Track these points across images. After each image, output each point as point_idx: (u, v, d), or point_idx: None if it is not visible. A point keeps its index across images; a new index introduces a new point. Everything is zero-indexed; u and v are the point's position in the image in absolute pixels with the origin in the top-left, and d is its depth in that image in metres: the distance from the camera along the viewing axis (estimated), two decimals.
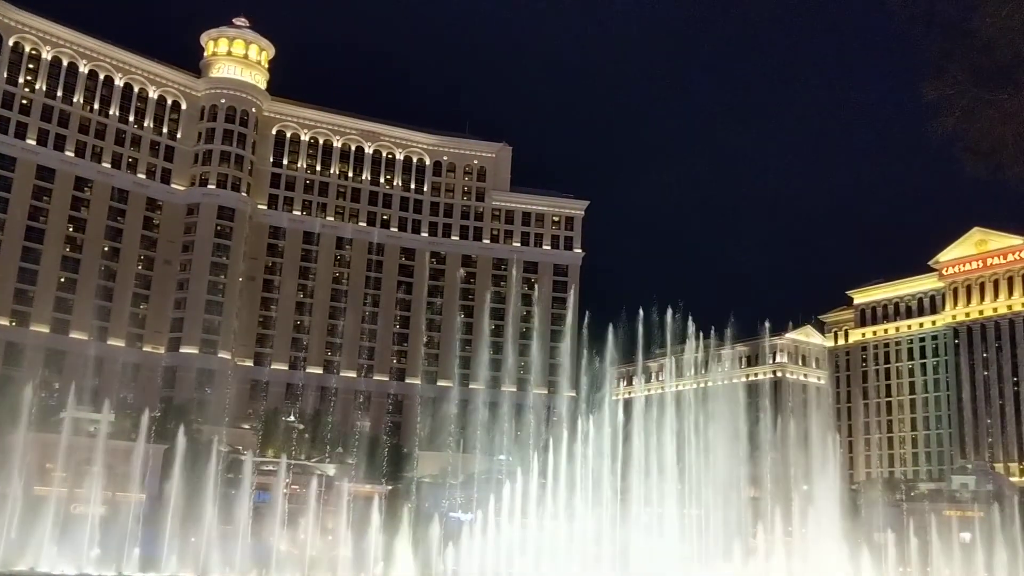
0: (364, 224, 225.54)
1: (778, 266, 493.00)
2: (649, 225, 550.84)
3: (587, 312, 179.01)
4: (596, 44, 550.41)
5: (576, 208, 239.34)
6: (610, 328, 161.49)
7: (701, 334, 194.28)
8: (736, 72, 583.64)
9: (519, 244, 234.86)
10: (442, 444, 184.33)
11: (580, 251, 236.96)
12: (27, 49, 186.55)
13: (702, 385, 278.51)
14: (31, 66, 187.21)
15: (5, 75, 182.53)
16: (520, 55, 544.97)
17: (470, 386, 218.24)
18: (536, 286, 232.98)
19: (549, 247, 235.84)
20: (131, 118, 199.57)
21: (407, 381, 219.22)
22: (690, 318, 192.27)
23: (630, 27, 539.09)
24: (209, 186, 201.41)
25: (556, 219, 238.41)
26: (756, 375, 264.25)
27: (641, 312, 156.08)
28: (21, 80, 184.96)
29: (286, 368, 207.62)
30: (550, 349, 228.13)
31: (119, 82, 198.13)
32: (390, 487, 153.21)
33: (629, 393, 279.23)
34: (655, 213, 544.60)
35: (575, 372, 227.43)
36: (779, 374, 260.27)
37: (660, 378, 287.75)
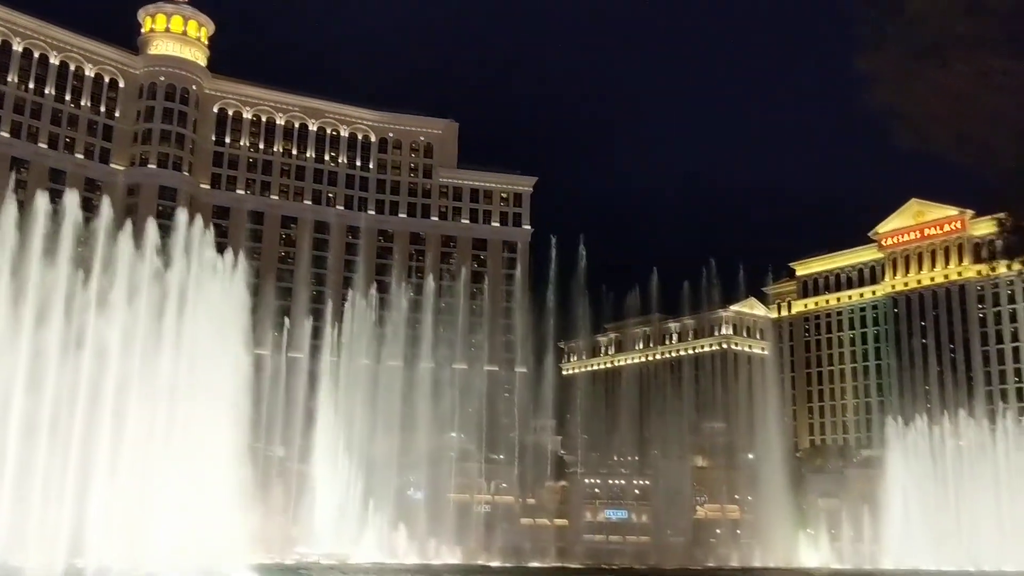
0: (310, 203, 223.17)
1: (721, 241, 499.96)
2: (596, 202, 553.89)
3: (537, 289, 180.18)
4: (537, 23, 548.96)
5: (524, 185, 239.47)
6: (558, 304, 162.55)
7: (647, 309, 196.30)
8: (668, 52, 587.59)
9: (467, 221, 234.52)
10: (393, 423, 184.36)
11: (529, 227, 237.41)
12: None
13: (650, 358, 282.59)
14: None
15: None
16: (468, 35, 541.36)
17: (420, 365, 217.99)
18: (486, 263, 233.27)
19: (498, 224, 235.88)
20: (67, 97, 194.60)
21: (360, 362, 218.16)
22: (636, 293, 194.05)
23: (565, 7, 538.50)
24: (149, 166, 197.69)
25: (504, 196, 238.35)
26: (702, 347, 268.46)
27: (589, 289, 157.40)
28: None
29: None
30: (502, 326, 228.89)
31: (54, 60, 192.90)
32: (340, 466, 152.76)
33: (581, 368, 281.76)
34: (602, 190, 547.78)
35: (525, 348, 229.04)
36: (724, 346, 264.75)
37: (609, 352, 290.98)
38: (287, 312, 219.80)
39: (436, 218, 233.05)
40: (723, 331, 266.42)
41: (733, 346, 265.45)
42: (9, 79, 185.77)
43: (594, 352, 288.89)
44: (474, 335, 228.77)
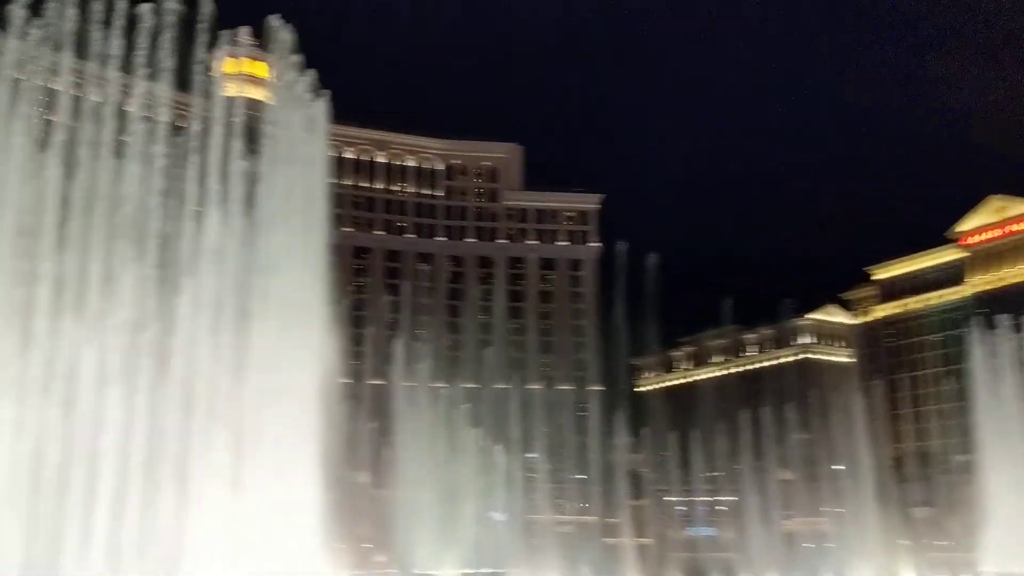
0: (382, 232, 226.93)
1: (792, 249, 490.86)
2: (665, 215, 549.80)
3: (607, 306, 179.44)
4: (598, 35, 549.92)
5: (589, 203, 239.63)
6: (629, 320, 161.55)
7: (722, 321, 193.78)
8: (742, 55, 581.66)
9: (535, 242, 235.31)
10: (471, 446, 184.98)
11: (597, 244, 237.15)
12: None
13: (727, 371, 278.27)
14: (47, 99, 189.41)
15: None
16: (528, 58, 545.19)
17: (493, 386, 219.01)
18: (554, 282, 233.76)
19: (565, 243, 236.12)
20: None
21: (434, 385, 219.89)
22: (711, 305, 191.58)
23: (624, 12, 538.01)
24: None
25: (570, 215, 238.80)
26: (782, 358, 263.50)
27: (661, 303, 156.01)
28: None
29: None
30: (573, 344, 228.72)
31: (133, 109, 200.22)
32: (422, 492, 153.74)
33: (657, 384, 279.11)
34: (671, 203, 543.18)
35: (600, 366, 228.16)
36: (805, 355, 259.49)
37: (684, 367, 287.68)
38: (360, 340, 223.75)
39: (503, 241, 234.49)
40: (803, 340, 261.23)
41: (814, 355, 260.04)
42: None
43: (669, 367, 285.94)
44: (546, 355, 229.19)
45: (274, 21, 74.66)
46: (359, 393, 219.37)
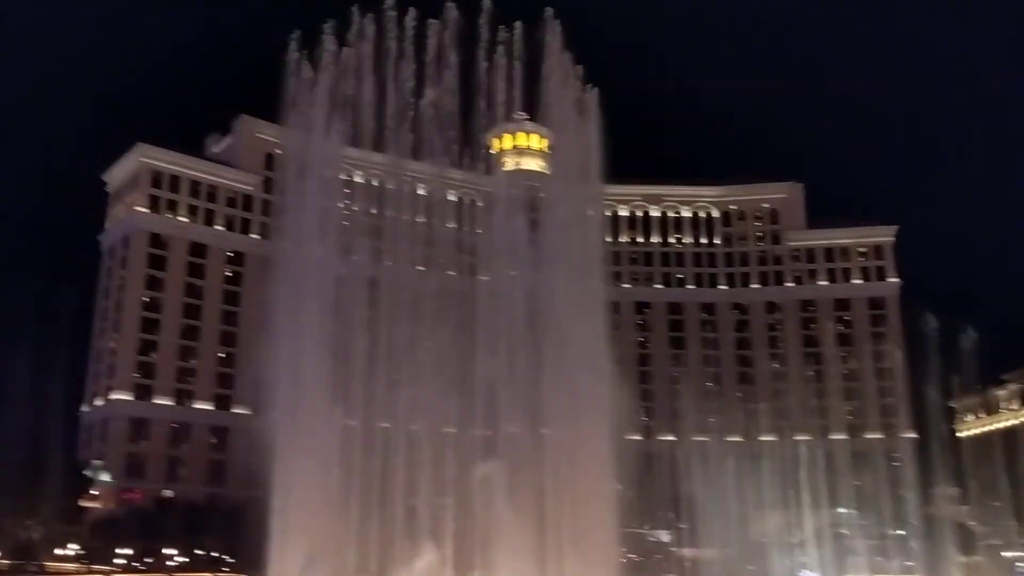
0: (660, 286, 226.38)
1: None
2: (969, 242, 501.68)
3: (914, 345, 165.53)
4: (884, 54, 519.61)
5: (884, 235, 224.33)
6: (941, 359, 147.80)
7: None
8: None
9: (825, 282, 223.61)
10: (774, 501, 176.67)
11: (896, 280, 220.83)
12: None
13: None
14: (348, 191, 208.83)
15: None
16: (805, 90, 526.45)
17: (795, 437, 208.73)
18: (851, 323, 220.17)
19: (859, 281, 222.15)
20: (436, 222, 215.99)
21: (727, 439, 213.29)
22: None
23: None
24: (512, 273, 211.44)
25: (862, 250, 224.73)
26: None
27: (981, 336, 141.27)
28: (341, 203, 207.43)
29: None
30: (878, 389, 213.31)
31: (423, 192, 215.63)
32: (727, 550, 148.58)
33: (978, 427, 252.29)
34: (973, 228, 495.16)
35: (913, 411, 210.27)
36: None
37: (1012, 407, 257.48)
38: (647, 397, 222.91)
39: (791, 283, 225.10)
40: None
41: None
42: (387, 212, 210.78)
43: (992, 408, 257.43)
44: (849, 401, 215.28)
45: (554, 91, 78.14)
46: (651, 450, 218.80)
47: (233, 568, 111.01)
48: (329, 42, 76.35)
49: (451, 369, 70.71)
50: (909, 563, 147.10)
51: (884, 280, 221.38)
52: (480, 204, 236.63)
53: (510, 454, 66.29)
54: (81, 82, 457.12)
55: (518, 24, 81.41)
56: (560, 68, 78.42)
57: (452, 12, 78.86)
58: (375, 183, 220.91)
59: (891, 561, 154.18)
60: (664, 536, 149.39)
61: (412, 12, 78.85)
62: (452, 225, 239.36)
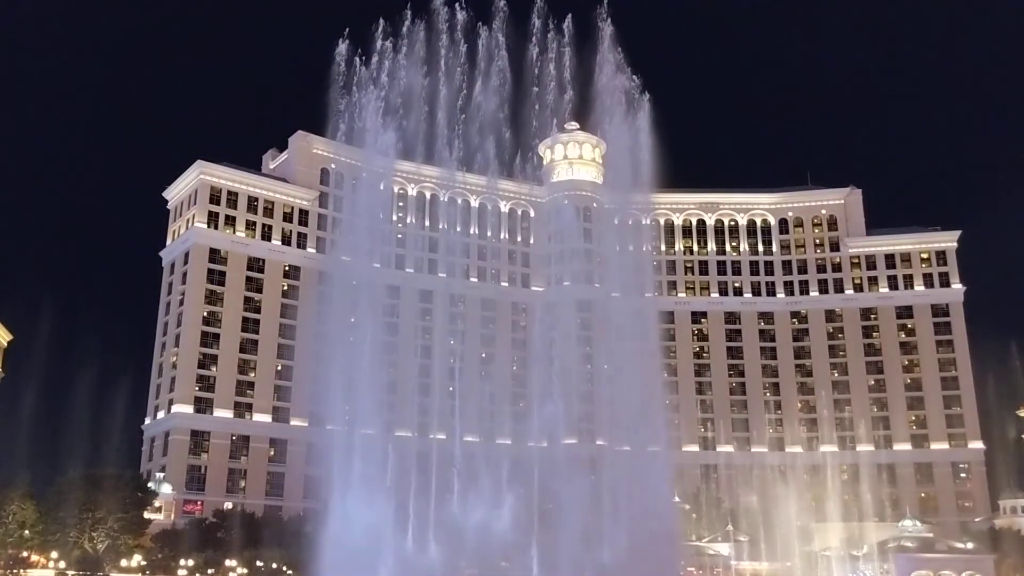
0: (716, 295, 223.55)
1: None
2: None
3: (982, 352, 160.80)
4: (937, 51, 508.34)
5: (947, 240, 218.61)
6: (1008, 367, 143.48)
7: None
8: None
9: (886, 290, 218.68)
10: (836, 513, 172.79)
11: (960, 286, 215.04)
12: (397, 190, 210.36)
13: None
14: (400, 203, 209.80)
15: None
16: (853, 89, 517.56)
17: (857, 448, 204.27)
18: (915, 332, 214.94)
19: (922, 288, 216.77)
20: (488, 233, 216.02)
21: (787, 451, 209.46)
22: None
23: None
24: (564, 283, 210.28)
25: (924, 256, 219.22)
26: None
27: None
28: (394, 216, 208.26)
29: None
30: (944, 398, 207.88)
31: (474, 203, 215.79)
32: (788, 563, 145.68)
33: None
34: None
35: (978, 420, 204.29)
36: None
37: None
38: (706, 407, 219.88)
39: (851, 291, 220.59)
40: None
41: None
42: (440, 226, 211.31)
43: None
44: (913, 412, 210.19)
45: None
46: (709, 461, 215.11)
47: None
48: (378, 54, 76.92)
49: (503, 381, 70.54)
50: (979, 575, 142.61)
51: (948, 287, 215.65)
52: (533, 215, 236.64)
53: (567, 466, 65.82)
54: (141, 101, 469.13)
55: (568, 25, 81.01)
56: (613, 77, 78.03)
57: (502, 9, 78.72)
58: (428, 195, 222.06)
59: (962, 572, 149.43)
60: (724, 549, 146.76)
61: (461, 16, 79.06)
62: (504, 236, 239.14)
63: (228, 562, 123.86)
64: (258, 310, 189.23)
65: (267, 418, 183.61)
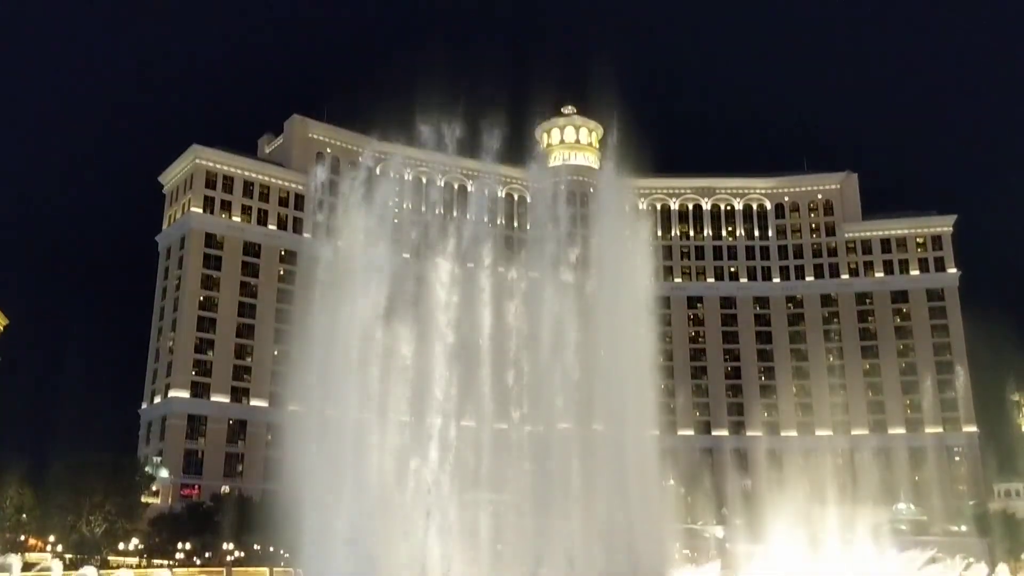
0: (712, 280, 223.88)
1: None
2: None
3: (977, 338, 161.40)
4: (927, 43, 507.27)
5: (942, 226, 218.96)
6: (1005, 352, 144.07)
7: None
8: None
9: (882, 274, 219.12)
10: (831, 497, 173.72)
11: (955, 271, 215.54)
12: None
13: None
14: (397, 188, 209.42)
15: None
16: (853, 76, 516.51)
17: (851, 432, 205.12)
18: (909, 316, 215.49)
19: (917, 272, 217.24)
20: (484, 218, 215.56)
21: (782, 435, 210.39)
22: None
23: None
24: (560, 268, 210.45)
25: (920, 241, 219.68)
26: None
27: None
28: (390, 201, 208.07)
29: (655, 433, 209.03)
30: (939, 383, 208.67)
31: (471, 188, 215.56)
32: (782, 546, 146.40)
33: None
34: None
35: (973, 404, 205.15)
36: None
37: None
38: (701, 392, 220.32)
39: (846, 276, 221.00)
40: None
41: None
42: (438, 211, 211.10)
43: None
44: (907, 395, 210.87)
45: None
46: (704, 445, 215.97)
47: (288, 563, 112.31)
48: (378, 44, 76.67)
49: (502, 367, 70.71)
50: (970, 559, 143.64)
51: (943, 271, 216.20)
52: (529, 200, 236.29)
53: (562, 451, 66.15)
54: (136, 86, 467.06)
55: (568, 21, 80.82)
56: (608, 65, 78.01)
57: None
58: (423, 180, 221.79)
59: (955, 556, 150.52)
60: (719, 532, 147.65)
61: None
62: (500, 221, 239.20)
63: (225, 545, 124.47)
64: (254, 295, 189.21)
65: (264, 403, 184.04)
